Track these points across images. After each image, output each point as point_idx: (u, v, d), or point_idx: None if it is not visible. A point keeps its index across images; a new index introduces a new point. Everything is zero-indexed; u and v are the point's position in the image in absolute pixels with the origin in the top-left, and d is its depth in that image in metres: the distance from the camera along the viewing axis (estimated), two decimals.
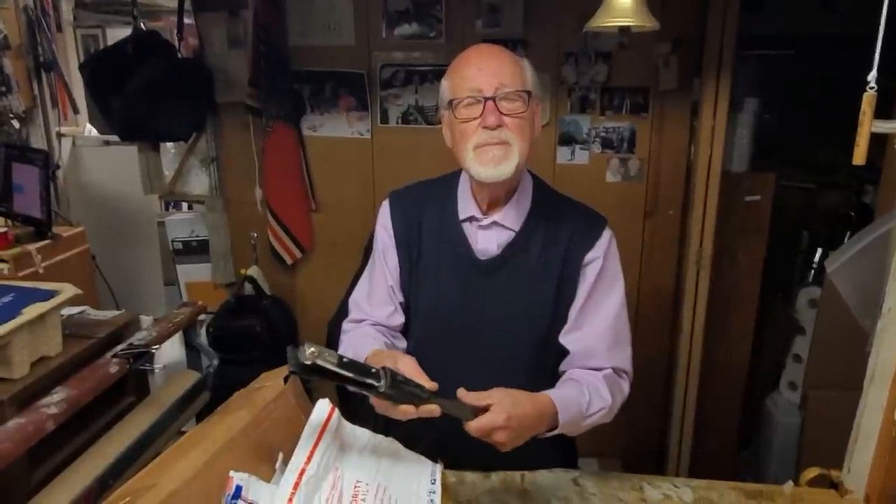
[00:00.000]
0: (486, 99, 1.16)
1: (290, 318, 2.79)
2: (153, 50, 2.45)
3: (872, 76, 0.81)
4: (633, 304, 2.58)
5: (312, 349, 0.89)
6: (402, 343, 1.36)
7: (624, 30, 1.58)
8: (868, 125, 0.82)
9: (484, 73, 1.18)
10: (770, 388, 2.75)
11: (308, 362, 0.88)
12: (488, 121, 1.16)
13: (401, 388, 0.97)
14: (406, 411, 0.99)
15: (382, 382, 0.95)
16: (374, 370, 0.96)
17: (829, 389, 2.35)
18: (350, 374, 0.93)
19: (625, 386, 1.31)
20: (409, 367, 1.04)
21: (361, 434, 1.12)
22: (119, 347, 1.44)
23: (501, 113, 1.17)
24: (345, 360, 0.93)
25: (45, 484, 1.18)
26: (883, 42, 0.84)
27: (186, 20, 2.58)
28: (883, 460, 1.19)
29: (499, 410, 1.02)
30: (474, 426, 1.02)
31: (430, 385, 1.00)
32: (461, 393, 1.04)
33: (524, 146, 1.19)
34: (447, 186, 1.35)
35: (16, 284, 1.51)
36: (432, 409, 0.99)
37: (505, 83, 1.17)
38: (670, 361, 2.61)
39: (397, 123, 2.61)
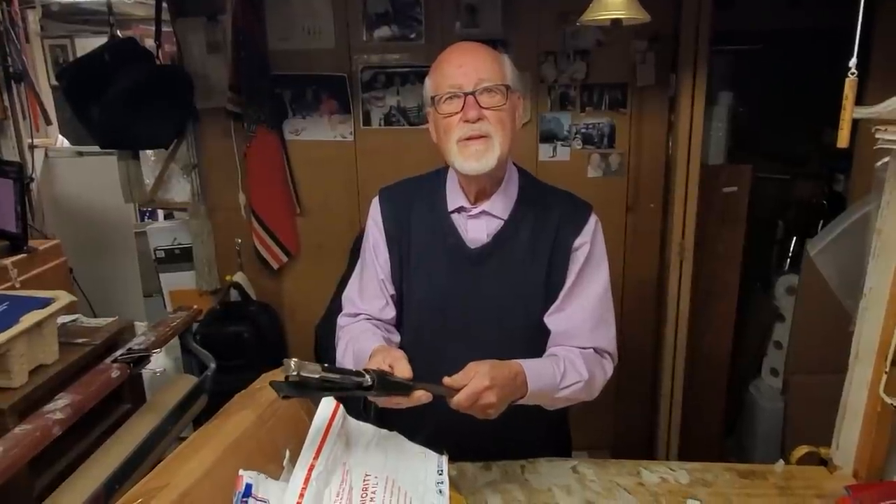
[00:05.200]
0: (467, 94, 1.21)
1: (277, 324, 2.78)
2: (131, 57, 2.42)
3: (853, 63, 0.84)
4: (617, 297, 2.60)
5: (294, 361, 0.90)
6: (396, 336, 1.38)
7: (615, 22, 1.60)
8: (850, 110, 0.85)
9: (464, 69, 1.22)
10: (753, 375, 2.81)
11: (294, 373, 0.90)
12: (469, 114, 1.20)
13: (387, 382, 1.01)
14: (400, 401, 1.03)
15: (367, 378, 0.98)
16: (357, 372, 0.99)
17: (809, 374, 2.41)
18: (336, 377, 0.96)
19: (607, 366, 1.33)
20: (396, 358, 1.08)
21: (366, 429, 1.14)
22: (119, 352, 1.43)
23: (482, 107, 1.21)
24: (327, 366, 0.95)
25: (48, 493, 1.17)
26: (850, 34, 0.87)
27: (164, 27, 2.55)
28: (869, 435, 1.23)
29: (480, 376, 1.06)
30: (462, 396, 1.05)
31: (405, 376, 1.04)
32: (446, 381, 1.07)
33: (505, 138, 1.23)
34: (435, 181, 1.38)
35: (9, 293, 1.49)
36: (421, 396, 1.03)
37: (484, 78, 1.21)
38: (656, 352, 2.65)
39: (380, 125, 2.61)
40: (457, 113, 1.21)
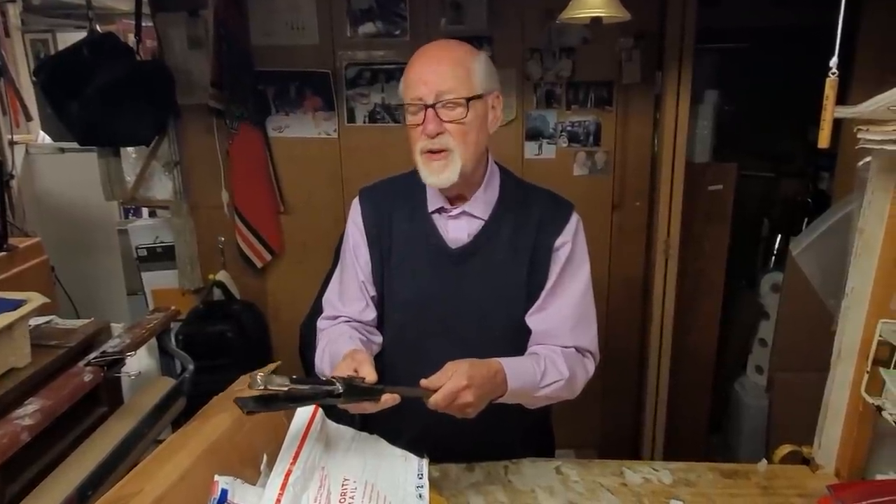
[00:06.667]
0: (427, 107, 1.18)
1: (261, 323, 2.75)
2: (110, 52, 2.37)
3: (834, 62, 0.83)
4: (603, 295, 2.62)
5: (261, 376, 0.89)
6: (378, 338, 1.37)
7: (596, 21, 1.59)
8: (831, 109, 0.85)
9: (424, 80, 1.19)
10: (738, 373, 2.83)
11: (261, 386, 0.89)
12: (428, 129, 1.19)
13: (357, 388, 1.00)
14: (366, 407, 1.03)
15: (338, 386, 0.97)
16: (327, 381, 0.98)
17: (794, 371, 2.43)
18: (305, 388, 0.95)
19: (589, 365, 1.32)
20: (360, 361, 1.07)
21: (345, 432, 1.12)
22: (92, 355, 1.40)
23: (442, 120, 1.19)
24: (295, 378, 0.94)
25: (20, 499, 1.14)
26: (835, 32, 0.87)
27: (144, 22, 2.51)
28: (851, 435, 1.24)
29: (458, 375, 1.05)
30: (440, 396, 1.04)
31: (370, 378, 1.04)
32: (423, 383, 1.06)
33: (466, 151, 1.21)
34: (417, 180, 1.36)
35: None
36: (387, 400, 1.03)
37: (444, 90, 1.18)
38: (642, 350, 2.65)
39: (364, 122, 2.59)
40: (419, 125, 1.20)
